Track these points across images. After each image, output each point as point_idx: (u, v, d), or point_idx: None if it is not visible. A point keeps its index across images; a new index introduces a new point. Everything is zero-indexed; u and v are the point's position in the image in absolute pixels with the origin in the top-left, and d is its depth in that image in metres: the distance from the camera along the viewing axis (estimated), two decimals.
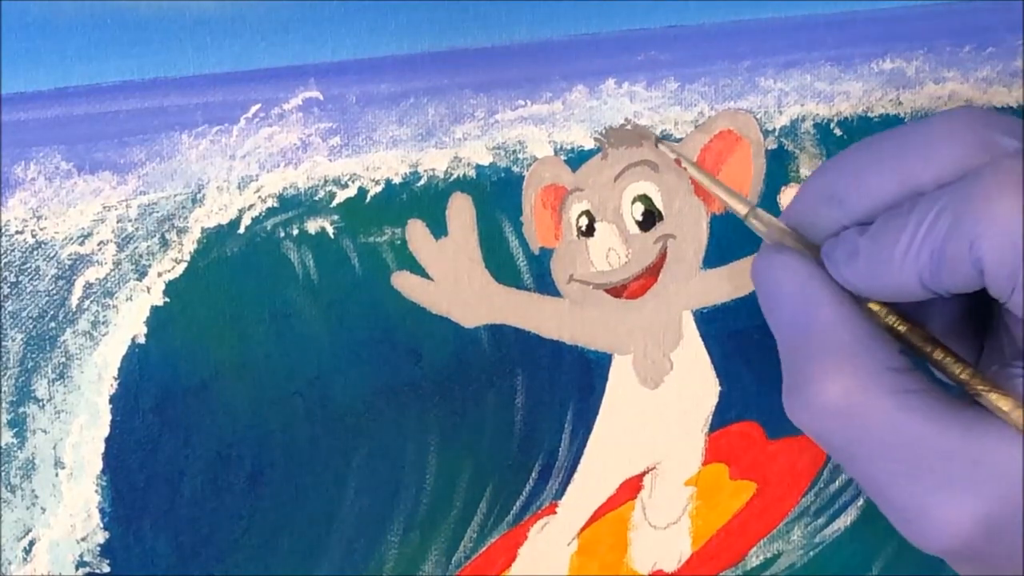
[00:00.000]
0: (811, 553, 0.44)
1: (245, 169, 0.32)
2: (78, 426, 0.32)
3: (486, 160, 0.35)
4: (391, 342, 0.35)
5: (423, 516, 0.37)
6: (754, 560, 0.43)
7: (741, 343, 0.40)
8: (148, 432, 0.33)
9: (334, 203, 0.34)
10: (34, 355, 0.31)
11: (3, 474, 0.31)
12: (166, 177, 0.32)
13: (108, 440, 0.32)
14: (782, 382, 0.33)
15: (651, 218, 0.38)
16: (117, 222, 0.31)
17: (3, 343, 0.31)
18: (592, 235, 0.37)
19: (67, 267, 0.31)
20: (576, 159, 0.36)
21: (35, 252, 0.31)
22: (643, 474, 0.40)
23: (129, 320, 0.32)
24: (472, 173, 0.35)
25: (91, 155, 0.31)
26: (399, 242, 0.35)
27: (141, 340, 0.32)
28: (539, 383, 0.38)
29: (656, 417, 0.40)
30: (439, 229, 0.35)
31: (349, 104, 0.33)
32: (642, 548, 0.41)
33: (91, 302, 0.32)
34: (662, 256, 0.38)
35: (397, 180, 0.34)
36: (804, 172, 0.40)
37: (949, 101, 0.41)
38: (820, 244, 0.33)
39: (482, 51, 0.34)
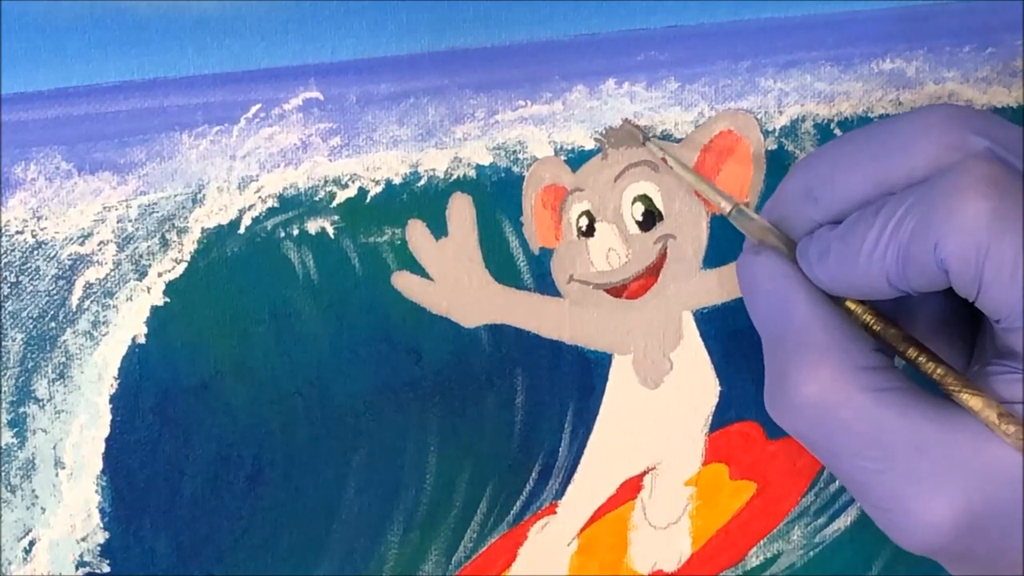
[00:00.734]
0: (811, 553, 0.44)
1: (245, 169, 0.32)
2: (78, 426, 0.32)
3: (486, 160, 0.35)
4: (391, 342, 0.35)
5: (423, 516, 0.37)
6: (754, 560, 0.43)
7: (741, 343, 0.40)
8: (148, 432, 0.33)
9: (334, 203, 0.34)
10: (34, 355, 0.31)
11: (3, 474, 0.31)
12: (166, 177, 0.32)
13: (108, 440, 0.32)
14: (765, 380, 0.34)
15: (651, 218, 0.38)
16: (117, 222, 0.31)
17: (3, 343, 0.31)
18: (592, 235, 0.37)
19: (67, 267, 0.31)
20: (576, 159, 0.36)
21: (35, 252, 0.31)
22: (643, 474, 0.40)
23: (129, 320, 0.32)
24: (472, 173, 0.35)
25: (91, 155, 0.31)
26: (399, 242, 0.35)
27: (141, 340, 0.32)
28: (539, 383, 0.38)
29: (656, 417, 0.40)
30: (439, 229, 0.35)
31: (349, 104, 0.33)
32: (642, 548, 0.41)
33: (91, 302, 0.32)
34: (662, 256, 0.38)
35: (397, 180, 0.34)
36: None
37: (949, 101, 0.41)
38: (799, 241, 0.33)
39: (482, 51, 0.34)
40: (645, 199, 0.37)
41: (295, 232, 0.34)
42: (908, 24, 0.39)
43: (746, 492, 0.42)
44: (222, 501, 0.34)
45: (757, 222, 0.34)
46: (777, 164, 0.39)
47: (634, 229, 0.38)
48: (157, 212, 0.32)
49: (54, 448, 0.32)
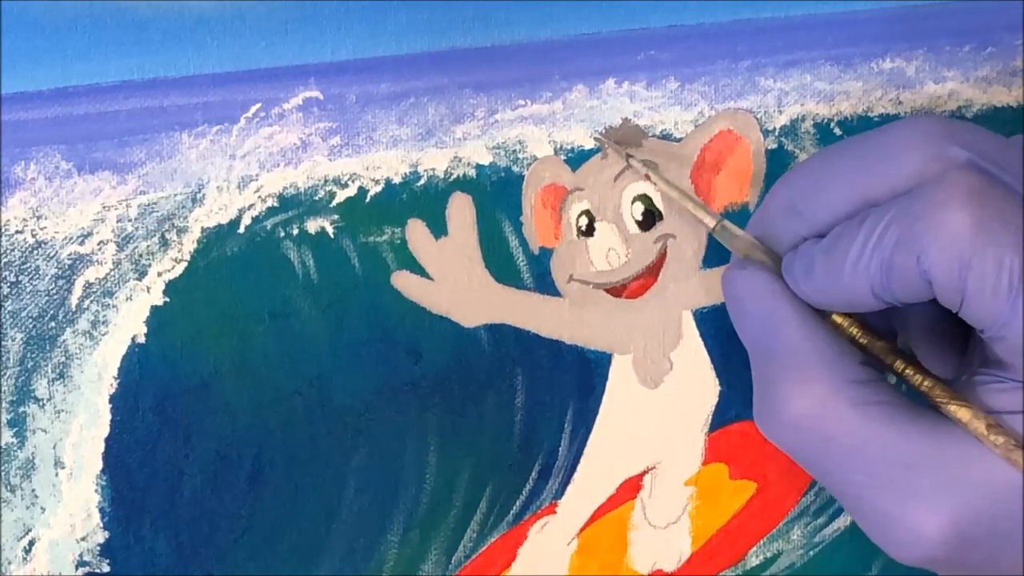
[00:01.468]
0: (811, 553, 0.44)
1: (245, 169, 0.32)
2: (78, 426, 0.32)
3: (486, 160, 0.35)
4: (391, 342, 0.35)
5: (423, 516, 0.37)
6: (754, 560, 0.43)
7: (741, 343, 0.40)
8: (148, 432, 0.33)
9: (334, 203, 0.34)
10: (34, 355, 0.31)
11: (3, 474, 0.31)
12: (166, 177, 0.32)
13: (108, 440, 0.32)
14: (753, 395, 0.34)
15: (651, 218, 0.38)
16: (117, 222, 0.31)
17: (3, 343, 0.31)
18: (592, 235, 0.37)
19: (67, 267, 0.31)
20: (576, 159, 0.36)
21: (35, 252, 0.31)
22: (643, 474, 0.40)
23: (129, 320, 0.32)
24: (472, 173, 0.35)
25: (91, 155, 0.31)
26: (399, 242, 0.35)
27: (141, 340, 0.32)
28: (539, 383, 0.38)
29: (656, 417, 0.40)
30: (439, 229, 0.35)
31: (349, 104, 0.33)
32: (642, 548, 0.41)
33: (91, 302, 0.32)
34: (662, 256, 0.38)
35: (397, 180, 0.34)
36: None
37: (949, 100, 0.41)
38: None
39: (482, 51, 0.34)
40: (645, 199, 0.37)
41: (295, 232, 0.34)
42: (908, 24, 0.39)
43: (746, 492, 0.42)
44: (222, 501, 0.34)
45: (742, 238, 0.34)
46: (777, 164, 0.39)
47: (634, 229, 0.38)
48: (157, 212, 0.32)
49: (54, 448, 0.32)
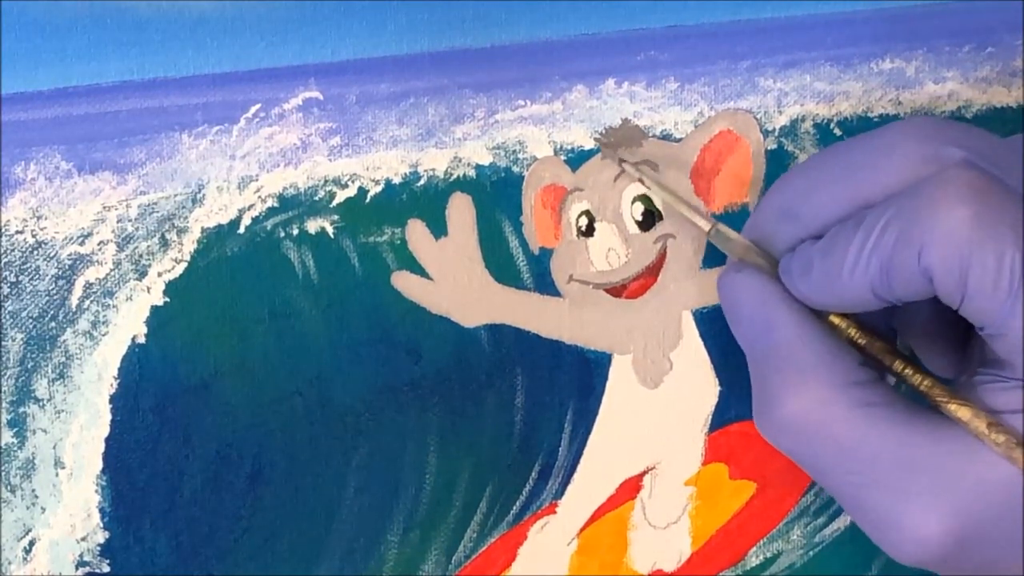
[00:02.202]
0: (811, 553, 0.44)
1: (245, 169, 0.32)
2: (78, 426, 0.32)
3: (486, 160, 0.35)
4: (391, 342, 0.35)
5: (423, 516, 0.37)
6: (754, 560, 0.43)
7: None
8: (148, 432, 0.33)
9: (334, 203, 0.34)
10: (34, 355, 0.31)
11: (3, 474, 0.31)
12: (166, 177, 0.32)
13: (108, 440, 0.32)
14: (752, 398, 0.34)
15: (651, 218, 0.38)
16: (117, 222, 0.31)
17: (3, 343, 0.31)
18: (592, 235, 0.37)
19: (67, 267, 0.31)
20: (576, 159, 0.36)
21: (35, 252, 0.31)
22: (643, 474, 0.40)
23: (129, 320, 0.32)
24: (472, 173, 0.35)
25: (91, 155, 0.31)
26: (399, 242, 0.35)
27: (141, 340, 0.32)
28: (539, 383, 0.38)
29: (656, 417, 0.40)
30: (439, 229, 0.35)
31: (349, 104, 0.33)
32: (642, 548, 0.41)
33: (91, 302, 0.32)
34: (662, 256, 0.38)
35: (397, 180, 0.34)
36: None
37: (949, 101, 0.41)
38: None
39: (482, 51, 0.34)
40: (645, 199, 0.37)
41: (295, 232, 0.34)
42: (908, 24, 0.39)
43: (746, 492, 0.42)
44: (222, 501, 0.34)
45: (737, 242, 0.34)
46: (777, 164, 0.39)
47: (634, 229, 0.38)
48: (157, 212, 0.32)
49: (54, 448, 0.32)
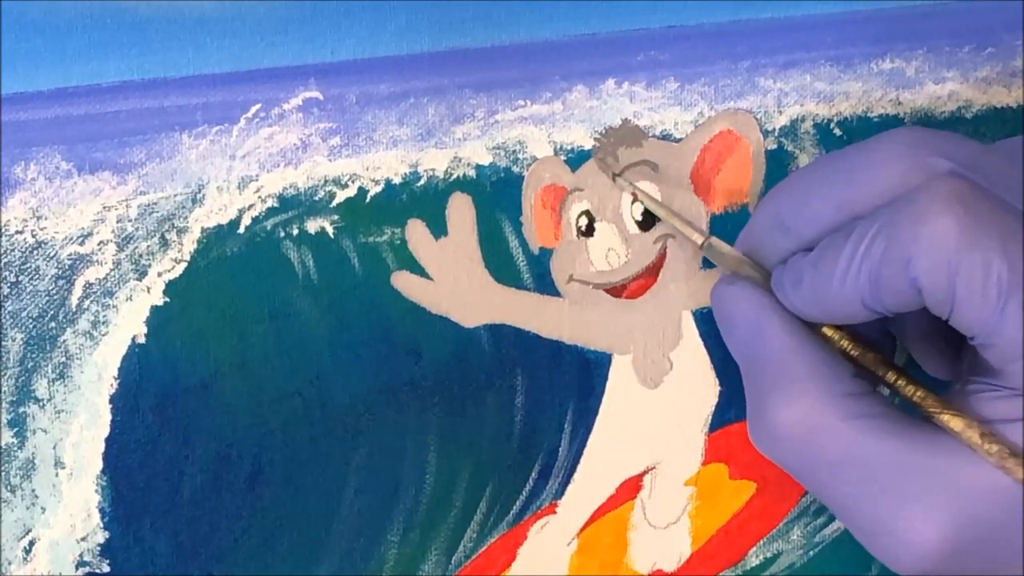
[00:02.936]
0: (811, 553, 0.44)
1: (245, 169, 0.32)
2: (78, 426, 0.32)
3: (486, 160, 0.35)
4: (391, 342, 0.35)
5: (423, 516, 0.37)
6: (754, 560, 0.43)
7: None
8: (148, 432, 0.33)
9: (334, 203, 0.34)
10: (34, 355, 0.31)
11: (3, 474, 0.31)
12: (166, 177, 0.32)
13: (108, 440, 0.32)
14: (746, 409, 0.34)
15: (651, 218, 0.38)
16: (117, 222, 0.31)
17: (3, 343, 0.31)
18: (592, 235, 0.37)
19: (67, 267, 0.31)
20: (576, 159, 0.36)
21: (35, 252, 0.31)
22: (643, 474, 0.40)
23: (129, 320, 0.32)
24: (472, 173, 0.35)
25: (91, 155, 0.31)
26: (399, 242, 0.35)
27: (141, 340, 0.32)
28: (539, 383, 0.38)
29: (656, 417, 0.40)
30: (439, 229, 0.35)
31: (349, 104, 0.33)
32: (642, 548, 0.41)
33: (91, 302, 0.32)
34: (662, 256, 0.38)
35: (397, 180, 0.34)
36: None
37: (949, 101, 0.41)
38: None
39: (482, 51, 0.34)
40: None
41: (295, 232, 0.34)
42: (908, 24, 0.39)
43: (746, 492, 0.42)
44: (222, 501, 0.34)
45: (730, 254, 0.35)
46: (777, 164, 0.39)
47: (634, 229, 0.38)
48: (157, 212, 0.32)
49: (54, 448, 0.32)
